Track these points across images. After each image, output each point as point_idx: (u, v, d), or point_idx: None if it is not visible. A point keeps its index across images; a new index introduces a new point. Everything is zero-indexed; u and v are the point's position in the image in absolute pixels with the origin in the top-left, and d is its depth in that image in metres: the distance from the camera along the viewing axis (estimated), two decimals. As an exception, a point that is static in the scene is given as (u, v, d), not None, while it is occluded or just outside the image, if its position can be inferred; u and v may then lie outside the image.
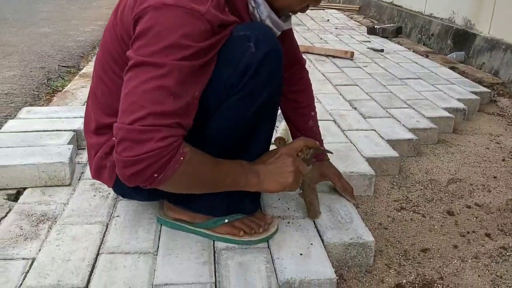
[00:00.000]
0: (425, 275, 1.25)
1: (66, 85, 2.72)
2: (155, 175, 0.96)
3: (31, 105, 2.47)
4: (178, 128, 0.97)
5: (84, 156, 1.68)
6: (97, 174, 1.21)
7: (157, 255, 1.17)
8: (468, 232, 1.44)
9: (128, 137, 0.94)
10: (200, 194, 1.19)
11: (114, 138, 0.98)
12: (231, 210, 1.24)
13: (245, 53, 1.04)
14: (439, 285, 1.22)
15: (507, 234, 1.44)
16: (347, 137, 1.89)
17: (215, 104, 1.08)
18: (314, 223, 1.32)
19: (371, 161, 1.70)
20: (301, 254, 1.19)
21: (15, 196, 1.45)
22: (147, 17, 0.97)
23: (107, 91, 1.14)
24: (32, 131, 1.69)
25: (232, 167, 1.11)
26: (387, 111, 2.19)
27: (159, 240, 1.23)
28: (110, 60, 1.12)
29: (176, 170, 0.97)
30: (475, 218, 1.52)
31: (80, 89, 2.47)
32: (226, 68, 1.05)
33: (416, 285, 1.22)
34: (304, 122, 1.46)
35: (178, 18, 0.96)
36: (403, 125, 2.04)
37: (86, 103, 1.25)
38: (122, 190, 1.24)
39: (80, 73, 2.87)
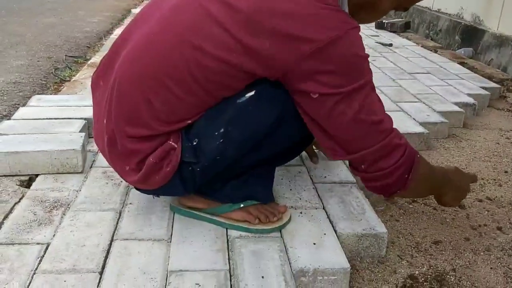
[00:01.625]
0: (438, 267, 1.25)
1: (74, 75, 2.73)
2: (406, 176, 1.14)
3: (39, 94, 2.47)
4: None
5: (95, 145, 1.68)
6: (144, 179, 1.12)
7: (170, 242, 1.18)
8: (479, 225, 1.44)
9: (377, 155, 1.10)
10: (216, 182, 1.20)
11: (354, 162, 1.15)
12: (246, 197, 1.24)
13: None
14: (451, 277, 1.22)
15: (519, 228, 1.44)
16: (357, 129, 1.88)
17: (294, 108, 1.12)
18: (327, 214, 1.32)
19: (382, 153, 1.70)
20: (314, 244, 1.19)
21: (28, 182, 1.45)
22: (331, 52, 0.99)
23: (175, 99, 1.05)
24: (44, 119, 1.69)
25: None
26: (397, 105, 2.19)
27: (172, 227, 1.24)
28: (197, 70, 1.02)
29: (418, 165, 1.14)
30: (486, 212, 1.52)
31: (89, 78, 2.46)
32: None
33: (429, 276, 1.22)
34: None
35: (358, 41, 1.04)
36: (414, 119, 2.03)
37: (114, 102, 1.10)
38: (168, 190, 1.19)
39: (88, 63, 2.87)
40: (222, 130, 1.08)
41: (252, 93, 1.07)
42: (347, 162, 1.60)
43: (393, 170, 1.12)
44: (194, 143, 1.10)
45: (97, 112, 1.19)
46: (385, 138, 1.09)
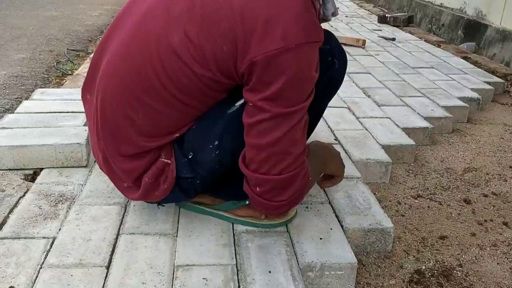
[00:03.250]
0: (444, 262, 1.25)
1: (76, 69, 2.71)
2: (298, 202, 1.13)
3: (41, 87, 2.46)
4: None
5: (99, 138, 1.68)
6: (144, 196, 1.13)
7: (177, 236, 1.17)
8: (485, 221, 1.44)
9: (278, 186, 1.05)
10: (220, 181, 1.19)
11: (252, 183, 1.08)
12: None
13: (330, 68, 1.13)
14: (458, 272, 1.22)
15: (525, 223, 1.43)
16: (362, 124, 1.87)
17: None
18: (333, 209, 1.31)
19: (387, 148, 1.70)
20: (321, 239, 1.18)
21: (32, 176, 1.44)
22: (279, 62, 0.93)
23: (154, 114, 1.03)
24: (48, 112, 1.68)
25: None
26: (401, 100, 2.18)
27: (178, 222, 1.23)
28: (166, 79, 0.99)
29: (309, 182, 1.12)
30: (492, 207, 1.51)
31: (91, 72, 2.46)
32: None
33: (435, 271, 1.21)
34: None
35: (313, 56, 0.98)
36: (418, 113, 2.02)
37: (99, 124, 1.08)
38: (170, 199, 1.19)
39: (90, 56, 2.86)
40: (216, 142, 1.08)
41: (242, 101, 1.05)
42: (352, 156, 1.59)
43: (288, 203, 1.09)
44: (190, 157, 1.09)
45: (90, 127, 1.18)
46: (290, 171, 1.03)
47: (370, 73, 2.57)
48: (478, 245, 1.33)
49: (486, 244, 1.33)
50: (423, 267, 1.23)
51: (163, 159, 1.09)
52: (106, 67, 1.07)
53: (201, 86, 1.01)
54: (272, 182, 1.04)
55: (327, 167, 1.23)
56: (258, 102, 0.97)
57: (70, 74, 2.65)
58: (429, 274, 1.20)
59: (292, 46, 0.92)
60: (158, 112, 1.03)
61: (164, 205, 1.27)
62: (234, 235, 1.19)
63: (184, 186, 1.13)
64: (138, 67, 1.01)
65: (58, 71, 2.77)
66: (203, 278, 1.03)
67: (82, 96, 1.22)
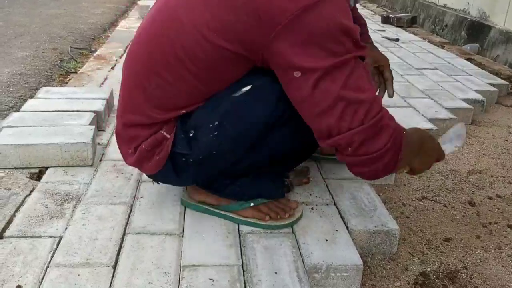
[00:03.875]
0: (449, 264, 1.25)
1: (80, 67, 2.72)
2: (395, 159, 1.03)
3: (45, 85, 2.46)
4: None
5: (104, 137, 1.68)
6: (138, 163, 1.17)
7: (183, 236, 1.18)
8: (490, 223, 1.44)
9: (367, 136, 0.99)
10: (225, 178, 1.20)
11: (338, 143, 1.01)
12: (257, 195, 1.24)
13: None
14: (463, 275, 1.22)
15: (530, 226, 1.43)
16: (366, 125, 1.87)
17: (292, 107, 1.06)
18: (338, 210, 1.32)
19: (391, 149, 1.69)
20: (326, 240, 1.19)
21: (38, 175, 1.45)
22: (306, 21, 0.92)
23: (166, 86, 1.06)
24: (53, 111, 1.69)
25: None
26: (405, 101, 2.18)
27: (184, 222, 1.23)
28: (182, 51, 1.02)
29: (406, 143, 1.04)
30: (496, 209, 1.51)
31: (95, 70, 2.46)
32: None
33: (440, 273, 1.22)
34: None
35: (341, 5, 0.97)
36: (423, 115, 2.03)
37: (121, 93, 1.17)
38: (163, 177, 1.22)
39: (94, 54, 2.86)
40: (216, 122, 1.07)
41: (248, 87, 1.05)
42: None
43: (383, 154, 1.01)
44: (190, 135, 1.10)
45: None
46: (372, 118, 0.99)
47: (374, 74, 2.57)
48: (483, 247, 1.33)
49: (491, 247, 1.33)
50: (428, 269, 1.23)
51: (163, 132, 1.11)
52: (136, 35, 1.15)
53: (217, 62, 1.01)
54: (359, 134, 0.98)
55: (423, 149, 1.14)
56: (303, 63, 0.95)
57: (74, 73, 2.66)
58: (434, 276, 1.21)
59: (316, 0, 0.92)
60: (170, 85, 1.06)
61: (159, 183, 1.28)
62: (240, 235, 1.20)
63: (178, 163, 1.13)
64: (158, 38, 1.05)
65: (62, 69, 2.77)
66: (210, 279, 1.04)
67: None
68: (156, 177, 1.22)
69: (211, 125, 1.07)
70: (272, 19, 0.93)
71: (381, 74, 1.47)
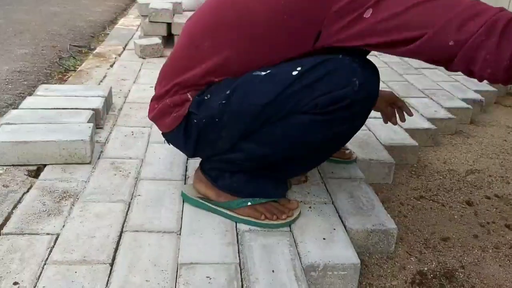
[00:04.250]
0: (446, 264, 1.25)
1: (79, 65, 2.72)
2: None
3: (44, 83, 2.46)
4: None
5: (103, 135, 1.68)
6: (158, 117, 1.24)
7: (180, 234, 1.17)
8: (488, 223, 1.44)
9: (469, 15, 0.89)
10: (229, 173, 1.21)
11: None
12: (255, 193, 1.24)
13: (347, 86, 1.03)
14: (460, 274, 1.22)
15: (527, 225, 1.43)
16: (365, 125, 1.87)
17: (289, 108, 1.06)
18: (336, 209, 1.32)
19: (390, 149, 1.70)
20: (324, 239, 1.19)
21: (36, 172, 1.45)
22: None
23: (215, 50, 1.13)
24: (52, 109, 1.68)
25: None
26: (404, 100, 2.17)
27: (182, 219, 1.23)
28: (235, 16, 1.10)
29: None
30: (494, 209, 1.52)
31: (95, 68, 2.46)
32: (322, 84, 1.03)
33: (438, 273, 1.22)
34: None
35: None
36: (421, 114, 2.03)
37: (172, 55, 1.24)
38: (174, 139, 1.27)
39: (94, 52, 2.86)
40: (228, 92, 1.10)
41: (268, 71, 1.08)
42: (364, 154, 1.59)
43: (493, 22, 0.87)
44: (205, 98, 1.14)
45: None
46: (484, 22, 0.88)
47: (373, 73, 2.57)
48: (480, 247, 1.33)
49: (489, 246, 1.33)
50: (425, 268, 1.23)
51: (188, 94, 1.16)
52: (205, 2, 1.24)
53: (271, 34, 1.06)
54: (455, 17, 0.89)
55: None
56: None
57: (73, 70, 2.66)
58: (431, 275, 1.21)
59: None
60: (217, 49, 1.12)
61: (170, 144, 1.30)
62: (237, 234, 1.20)
63: (188, 125, 1.18)
64: (223, 2, 1.14)
65: (61, 67, 2.77)
66: (207, 277, 1.04)
67: None
68: (168, 137, 1.27)
69: (222, 94, 1.11)
70: None
71: (393, 105, 1.49)
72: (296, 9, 1.03)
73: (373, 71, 1.08)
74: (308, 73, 1.04)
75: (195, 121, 1.16)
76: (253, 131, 1.11)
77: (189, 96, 1.16)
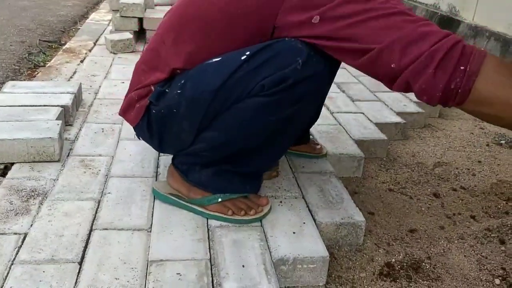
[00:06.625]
0: (413, 255, 1.28)
1: (48, 60, 2.67)
2: (462, 67, 0.90)
3: (12, 79, 2.41)
4: None
5: (72, 132, 1.66)
6: (124, 111, 1.27)
7: (151, 231, 1.17)
8: (454, 214, 1.48)
9: (412, 40, 0.93)
10: (199, 166, 1.22)
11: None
12: (223, 189, 1.24)
13: (291, 65, 1.04)
14: (426, 265, 1.25)
15: (492, 216, 1.48)
16: (336, 119, 1.90)
17: (239, 92, 1.08)
18: (306, 203, 1.33)
19: (360, 143, 1.72)
20: (294, 233, 1.20)
21: (3, 171, 1.42)
22: None
23: (174, 45, 1.15)
24: (19, 106, 1.65)
25: None
26: (375, 95, 2.21)
27: (152, 217, 1.23)
28: (199, 16, 1.12)
29: (482, 62, 0.91)
30: (460, 201, 1.56)
31: (64, 64, 2.42)
32: (267, 66, 1.05)
33: (405, 264, 1.25)
34: None
35: None
36: (391, 108, 2.06)
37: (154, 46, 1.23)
38: (142, 133, 1.28)
39: (63, 48, 2.81)
40: (182, 81, 1.13)
41: (219, 58, 1.10)
42: (335, 148, 1.61)
43: (430, 53, 0.91)
44: (166, 90, 1.16)
45: None
46: (414, 22, 0.95)
47: (345, 68, 2.59)
48: (446, 238, 1.36)
49: (454, 237, 1.37)
50: (393, 260, 1.26)
51: (152, 87, 1.18)
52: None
53: (223, 27, 1.09)
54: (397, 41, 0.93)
55: None
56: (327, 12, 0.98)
57: (43, 66, 2.61)
58: (399, 266, 1.23)
59: None
60: (181, 44, 1.14)
61: (140, 139, 1.31)
62: (208, 230, 1.20)
63: (149, 115, 1.20)
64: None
65: (30, 63, 2.72)
66: (177, 273, 1.04)
67: None
68: (136, 131, 1.29)
69: (179, 84, 1.13)
70: None
71: None
72: (250, 4, 1.05)
73: (322, 54, 1.06)
74: (255, 56, 1.06)
75: (154, 111, 1.18)
76: (212, 119, 1.12)
77: (152, 88, 1.18)
